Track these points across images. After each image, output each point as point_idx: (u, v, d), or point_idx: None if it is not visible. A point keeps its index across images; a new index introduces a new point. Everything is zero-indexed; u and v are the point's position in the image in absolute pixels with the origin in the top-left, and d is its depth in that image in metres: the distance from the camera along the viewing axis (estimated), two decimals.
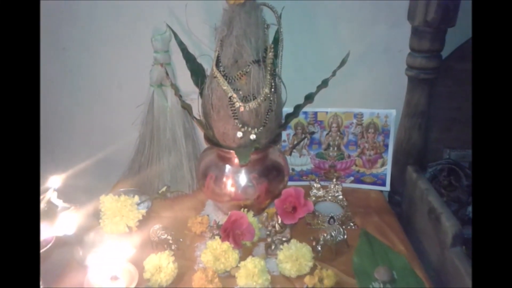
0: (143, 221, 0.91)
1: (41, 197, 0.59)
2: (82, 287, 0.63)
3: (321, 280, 0.79)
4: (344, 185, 1.08)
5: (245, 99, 0.84)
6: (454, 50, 0.99)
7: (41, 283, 0.60)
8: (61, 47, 1.04)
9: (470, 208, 1.10)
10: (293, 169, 1.12)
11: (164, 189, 1.00)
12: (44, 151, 1.10)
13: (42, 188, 0.59)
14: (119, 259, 0.64)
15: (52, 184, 0.59)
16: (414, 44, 0.96)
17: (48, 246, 0.56)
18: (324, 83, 0.91)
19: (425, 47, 0.94)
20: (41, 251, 0.56)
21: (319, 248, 0.87)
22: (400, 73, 1.02)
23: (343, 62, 0.90)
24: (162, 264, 0.78)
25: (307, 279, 0.80)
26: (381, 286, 0.80)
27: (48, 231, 0.55)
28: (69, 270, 0.80)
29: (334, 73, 0.90)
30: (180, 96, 0.90)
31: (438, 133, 1.05)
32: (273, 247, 0.87)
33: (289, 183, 1.03)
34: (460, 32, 0.95)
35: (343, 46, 0.96)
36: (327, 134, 1.11)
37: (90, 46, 1.04)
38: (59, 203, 0.58)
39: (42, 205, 0.58)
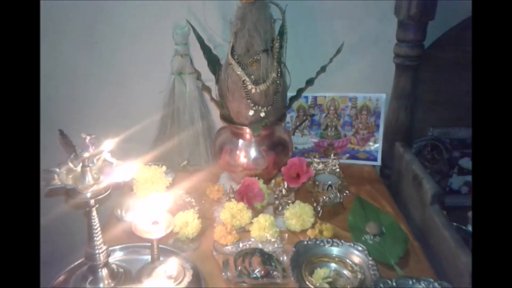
0: (168, 189, 1.06)
1: (97, 157, 0.74)
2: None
3: (321, 232, 0.95)
4: (341, 161, 1.23)
5: (256, 82, 0.99)
6: (434, 40, 1.14)
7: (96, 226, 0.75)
8: (94, 41, 1.18)
9: (451, 180, 1.25)
10: (296, 148, 1.27)
11: (185, 162, 1.16)
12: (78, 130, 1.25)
13: (96, 150, 0.74)
14: (158, 209, 0.79)
15: (105, 147, 0.74)
16: (400, 35, 1.11)
17: (107, 193, 0.71)
18: (323, 69, 1.06)
19: (409, 37, 1.09)
20: (101, 196, 0.71)
21: (319, 209, 1.03)
22: (389, 61, 1.16)
23: (338, 51, 1.05)
24: (189, 220, 0.94)
25: (309, 232, 0.96)
26: (372, 238, 0.95)
27: (108, 179, 0.70)
28: (111, 223, 0.96)
29: (331, 60, 1.05)
30: (201, 81, 1.05)
31: (423, 113, 1.20)
32: (280, 208, 1.03)
33: None
34: (439, 25, 1.10)
35: (338, 38, 1.10)
36: (325, 116, 1.26)
37: (119, 40, 1.18)
38: (113, 160, 0.73)
39: (99, 163, 0.74)
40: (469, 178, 1.23)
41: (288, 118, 1.25)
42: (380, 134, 1.25)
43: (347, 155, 1.28)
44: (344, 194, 1.10)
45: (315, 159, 1.19)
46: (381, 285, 0.75)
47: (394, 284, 0.76)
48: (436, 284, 0.75)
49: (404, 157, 1.13)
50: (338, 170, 1.18)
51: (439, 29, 1.12)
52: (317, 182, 1.12)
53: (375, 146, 1.26)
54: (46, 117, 1.26)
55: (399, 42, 1.12)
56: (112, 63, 1.21)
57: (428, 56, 1.14)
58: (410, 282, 0.77)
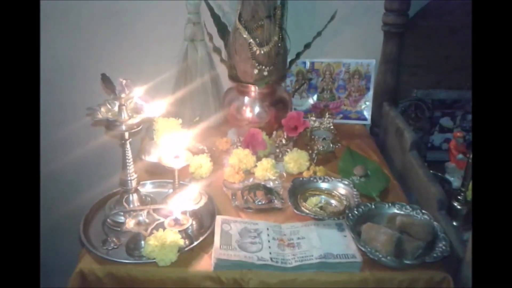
0: None
1: (129, 101, 0.90)
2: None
3: (315, 172, 1.11)
4: (335, 121, 1.37)
5: (260, 45, 1.14)
6: (418, 10, 1.28)
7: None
8: (115, 11, 1.33)
9: (433, 137, 1.40)
10: (295, 109, 1.42)
11: (197, 119, 1.32)
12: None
13: (130, 93, 0.88)
14: (179, 146, 0.95)
15: (136, 93, 0.89)
16: (387, 5, 1.25)
17: (139, 128, 0.87)
18: (318, 34, 1.20)
19: (395, 7, 1.23)
20: (134, 130, 0.87)
21: (314, 156, 1.18)
22: (378, 29, 1.31)
23: (332, 18, 1.19)
24: (202, 162, 1.10)
25: (305, 173, 1.12)
26: (358, 178, 1.11)
27: (140, 116, 0.86)
28: (136, 165, 1.12)
29: (325, 26, 1.19)
30: (213, 43, 1.20)
31: (407, 77, 1.34)
32: (280, 155, 1.19)
33: None
34: None
35: (333, 8, 1.24)
36: (321, 80, 1.41)
37: (137, 9, 1.33)
38: (143, 103, 0.89)
39: (132, 105, 0.89)
40: (448, 135, 1.38)
41: (288, 82, 1.40)
42: (370, 96, 1.40)
43: (341, 115, 1.43)
44: (337, 146, 1.26)
45: (312, 118, 1.34)
46: (362, 207, 0.91)
47: (373, 206, 0.92)
48: (407, 206, 0.91)
49: (390, 114, 1.28)
50: (332, 127, 1.33)
51: (422, 0, 1.26)
52: (313, 136, 1.28)
53: (366, 107, 1.41)
54: (71, 77, 1.42)
55: (386, 11, 1.26)
56: (132, 31, 1.36)
57: (413, 24, 1.28)
58: (386, 206, 0.93)
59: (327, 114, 1.36)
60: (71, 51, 1.39)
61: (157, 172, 1.08)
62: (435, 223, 0.86)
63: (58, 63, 1.37)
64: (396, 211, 0.91)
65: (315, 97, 1.42)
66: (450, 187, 1.19)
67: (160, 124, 1.17)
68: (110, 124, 0.84)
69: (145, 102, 0.89)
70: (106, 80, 0.82)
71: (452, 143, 1.26)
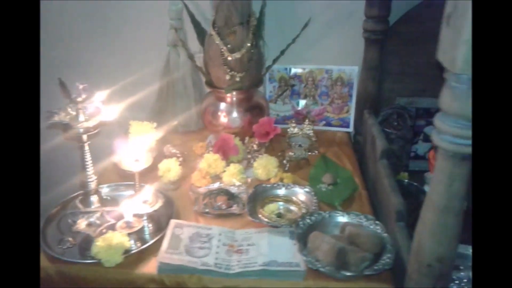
0: (161, 144, 1.24)
1: (90, 104, 0.93)
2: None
3: (281, 179, 1.11)
4: (317, 127, 1.37)
5: (232, 51, 1.15)
6: (400, 16, 1.25)
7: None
8: (108, 18, 1.38)
9: (417, 146, 1.37)
10: (277, 115, 1.43)
11: (175, 123, 1.34)
12: None
13: (88, 97, 0.91)
14: (140, 149, 0.97)
15: (97, 97, 0.92)
16: (367, 12, 1.23)
17: (96, 131, 0.90)
18: (293, 41, 1.20)
19: (375, 13, 1.22)
20: (91, 133, 0.89)
21: (285, 162, 1.18)
22: (360, 36, 1.29)
23: (305, 25, 1.19)
24: (171, 166, 1.12)
25: (272, 180, 1.12)
26: (326, 186, 1.10)
27: (96, 119, 0.88)
28: (111, 170, 1.15)
29: (299, 33, 1.19)
30: (187, 49, 1.22)
31: (391, 84, 1.32)
32: (252, 161, 1.19)
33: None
34: (404, 2, 1.22)
35: (314, 14, 1.24)
36: (304, 86, 1.40)
37: (120, 14, 1.37)
38: (102, 107, 0.92)
39: (92, 109, 0.92)
40: None
41: (271, 88, 1.41)
42: (352, 104, 1.38)
43: (324, 122, 1.42)
44: (312, 153, 1.25)
45: (292, 124, 1.34)
46: (315, 215, 0.90)
47: (327, 215, 0.91)
48: (361, 216, 0.90)
49: (368, 122, 1.26)
50: (311, 134, 1.32)
51: (404, 6, 1.24)
52: (290, 143, 1.27)
53: (348, 114, 1.39)
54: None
55: (366, 18, 1.25)
56: (119, 37, 1.40)
57: (394, 31, 1.25)
58: (339, 215, 0.91)
59: (307, 120, 1.35)
60: (65, 55, 1.45)
61: (125, 174, 1.10)
62: (384, 234, 0.84)
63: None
64: (349, 220, 0.90)
65: (300, 102, 1.41)
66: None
67: (134, 128, 1.20)
68: (66, 127, 0.87)
69: (104, 106, 0.91)
70: (62, 85, 0.85)
71: (431, 153, 1.22)
